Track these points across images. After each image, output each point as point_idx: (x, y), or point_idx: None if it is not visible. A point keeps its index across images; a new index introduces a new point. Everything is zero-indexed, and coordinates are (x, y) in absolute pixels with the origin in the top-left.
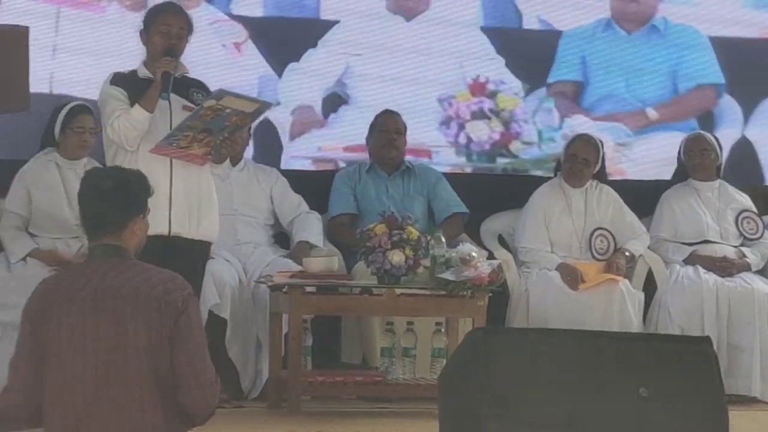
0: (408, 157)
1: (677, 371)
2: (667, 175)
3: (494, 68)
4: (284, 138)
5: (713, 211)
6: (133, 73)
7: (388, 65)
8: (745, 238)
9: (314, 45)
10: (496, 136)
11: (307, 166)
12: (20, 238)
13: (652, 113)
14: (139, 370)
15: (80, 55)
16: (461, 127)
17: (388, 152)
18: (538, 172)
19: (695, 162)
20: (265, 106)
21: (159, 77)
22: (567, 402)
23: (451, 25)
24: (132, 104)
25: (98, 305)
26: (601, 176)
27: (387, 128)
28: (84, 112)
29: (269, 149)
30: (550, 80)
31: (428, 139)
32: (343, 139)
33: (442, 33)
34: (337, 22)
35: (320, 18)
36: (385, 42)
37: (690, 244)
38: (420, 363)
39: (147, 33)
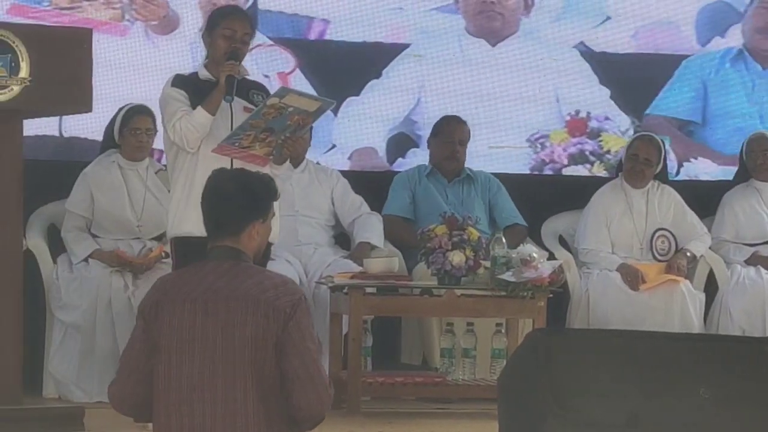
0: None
1: (738, 372)
2: None
3: (598, 101)
4: None
5: None
6: (194, 74)
7: (467, 100)
8: None
9: (378, 75)
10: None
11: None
12: (83, 239)
13: None
14: (244, 373)
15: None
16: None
17: (449, 164)
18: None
19: (758, 162)
20: (327, 104)
21: (223, 81)
22: (627, 403)
23: (544, 50)
24: (192, 106)
25: (208, 307)
26: (663, 177)
27: (452, 138)
28: (141, 113)
29: None
30: (659, 111)
31: None
32: None
33: (534, 59)
34: (406, 46)
35: (386, 42)
36: (464, 71)
37: (752, 245)
38: (480, 364)
39: (210, 36)
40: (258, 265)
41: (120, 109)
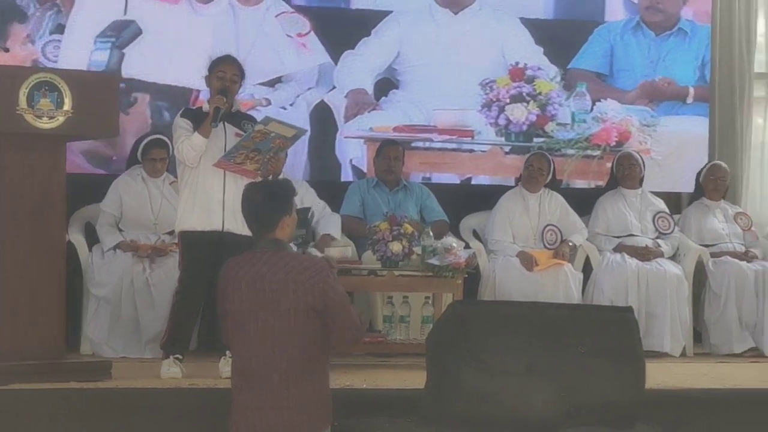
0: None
1: (607, 332)
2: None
3: (532, 56)
4: (339, 119)
5: (636, 212)
6: (199, 108)
7: (435, 53)
8: (660, 232)
9: (368, 34)
10: (533, 118)
11: (360, 145)
12: (112, 232)
13: (691, 93)
14: (289, 329)
15: (151, 42)
16: (501, 109)
17: (387, 176)
18: (571, 151)
19: (625, 173)
20: (301, 132)
21: (211, 111)
22: (524, 355)
23: (494, 18)
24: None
25: (257, 286)
26: (552, 185)
27: (387, 156)
28: (154, 146)
29: (326, 130)
30: (578, 65)
31: (471, 120)
32: (393, 120)
33: (486, 25)
34: (389, 12)
35: (374, 9)
36: (433, 32)
37: (618, 237)
38: (413, 327)
39: (209, 77)
40: (292, 250)
41: (141, 139)
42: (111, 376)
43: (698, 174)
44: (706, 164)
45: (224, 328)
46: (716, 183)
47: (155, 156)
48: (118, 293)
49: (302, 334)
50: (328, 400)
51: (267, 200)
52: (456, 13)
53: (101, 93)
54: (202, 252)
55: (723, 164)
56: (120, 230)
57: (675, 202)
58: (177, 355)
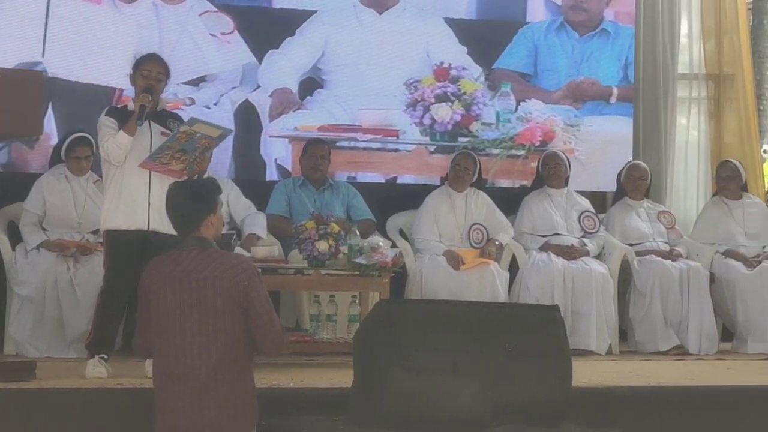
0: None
1: (534, 331)
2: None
3: (457, 56)
4: (264, 118)
5: (562, 211)
6: (125, 107)
7: (360, 53)
8: (585, 232)
9: (292, 33)
10: (458, 118)
11: (285, 144)
12: (35, 232)
13: (615, 93)
14: (216, 328)
15: (71, 43)
16: (426, 109)
17: (313, 174)
18: (495, 151)
19: (551, 172)
20: (227, 132)
21: (136, 109)
22: (451, 354)
23: (419, 18)
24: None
25: (184, 284)
26: (478, 184)
27: (314, 155)
28: (79, 144)
29: (251, 129)
30: (503, 65)
31: (396, 120)
32: (317, 119)
33: (411, 25)
34: (314, 12)
35: (299, 8)
36: (358, 32)
37: (543, 236)
38: (339, 326)
39: (134, 76)
40: (218, 248)
41: (65, 138)
42: (35, 376)
43: (619, 174)
44: (626, 164)
45: (140, 330)
46: (635, 183)
47: (79, 154)
48: (41, 292)
49: (229, 333)
50: (254, 399)
51: (191, 199)
52: (381, 13)
53: (24, 91)
54: (128, 251)
55: (642, 164)
56: (44, 229)
57: (600, 201)
58: (102, 355)
